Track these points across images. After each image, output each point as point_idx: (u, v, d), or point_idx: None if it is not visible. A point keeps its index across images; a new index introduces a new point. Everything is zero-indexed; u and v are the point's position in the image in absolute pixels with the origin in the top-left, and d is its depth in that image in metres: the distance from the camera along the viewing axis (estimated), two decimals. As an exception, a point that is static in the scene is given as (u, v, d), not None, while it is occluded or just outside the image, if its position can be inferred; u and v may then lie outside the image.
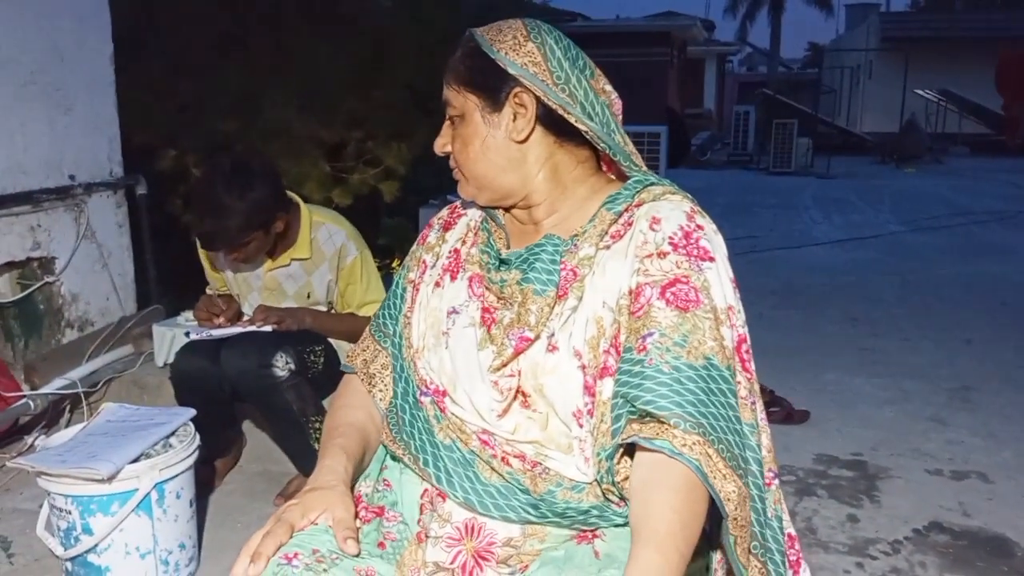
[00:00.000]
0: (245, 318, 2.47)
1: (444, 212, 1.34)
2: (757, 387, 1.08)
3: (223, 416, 2.52)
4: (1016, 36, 18.78)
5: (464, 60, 1.12)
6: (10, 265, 3.02)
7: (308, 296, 2.49)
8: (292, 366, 2.27)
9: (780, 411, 3.25)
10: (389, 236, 7.03)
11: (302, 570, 1.00)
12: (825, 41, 35.77)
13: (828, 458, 2.91)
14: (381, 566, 1.07)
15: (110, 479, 1.87)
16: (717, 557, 1.12)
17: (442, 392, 1.13)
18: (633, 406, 0.98)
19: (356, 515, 1.10)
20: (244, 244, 2.30)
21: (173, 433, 2.09)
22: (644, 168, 1.18)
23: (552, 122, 1.12)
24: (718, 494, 0.95)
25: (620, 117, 1.17)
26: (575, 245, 1.11)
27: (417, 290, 1.25)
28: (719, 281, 1.06)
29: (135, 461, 1.93)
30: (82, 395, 2.86)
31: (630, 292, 1.05)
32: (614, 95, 1.17)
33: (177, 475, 2.01)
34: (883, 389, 3.64)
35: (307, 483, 1.12)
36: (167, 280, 3.72)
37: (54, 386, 2.86)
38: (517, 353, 1.08)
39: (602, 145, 1.13)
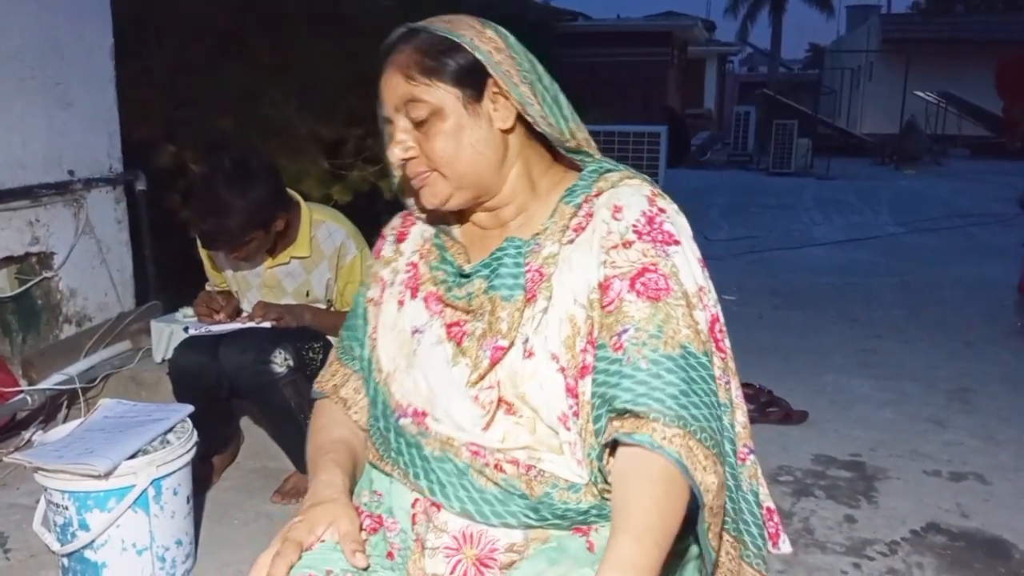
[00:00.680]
0: (244, 314, 2.47)
1: (396, 221, 1.28)
2: (733, 364, 1.07)
3: (221, 412, 2.52)
4: (1017, 39, 18.77)
5: (427, 52, 1.04)
6: (8, 260, 3.01)
7: (307, 294, 2.49)
8: (290, 362, 2.27)
9: (778, 411, 3.25)
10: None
11: None
12: (826, 42, 35.80)
13: (826, 459, 2.91)
14: None
15: (107, 475, 1.87)
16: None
17: (421, 413, 1.10)
18: (611, 406, 0.97)
19: (360, 526, 1.08)
20: (245, 243, 2.30)
21: (171, 429, 2.08)
22: (597, 155, 1.15)
23: (522, 111, 1.07)
24: (698, 486, 0.93)
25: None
26: (538, 244, 1.08)
27: (379, 308, 1.21)
28: (687, 263, 1.04)
29: (132, 457, 1.93)
30: (79, 391, 2.86)
31: (599, 285, 1.03)
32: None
33: (174, 471, 2.01)
34: (882, 390, 3.64)
35: (307, 499, 1.10)
36: (166, 276, 3.71)
37: (51, 381, 2.85)
38: (493, 363, 1.04)
39: (566, 136, 1.10)
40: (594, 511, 1.04)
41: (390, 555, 1.10)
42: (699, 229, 7.65)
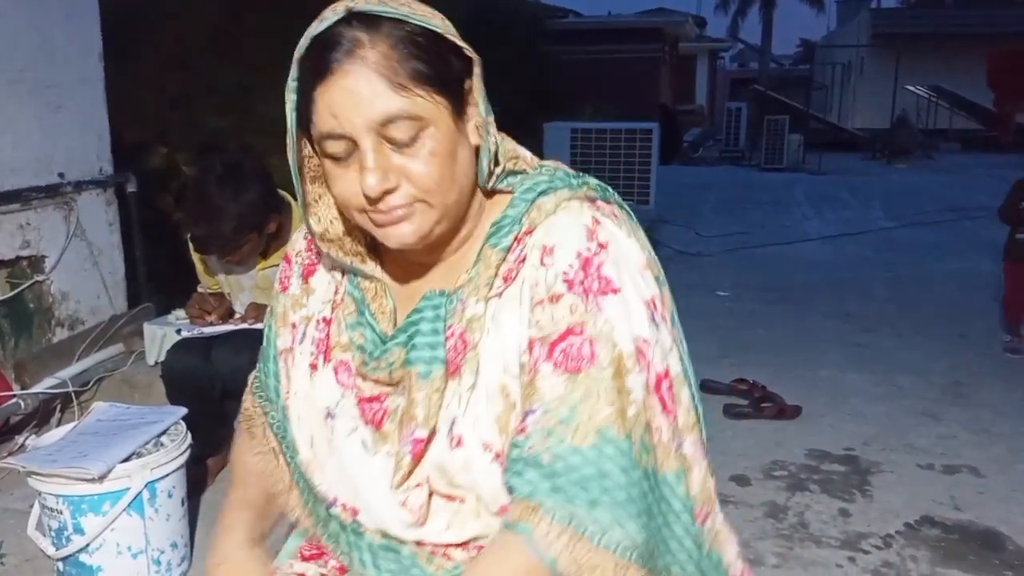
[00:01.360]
0: (236, 316, 2.47)
1: (301, 245, 1.05)
2: (691, 417, 0.89)
3: (214, 414, 2.51)
4: (1007, 32, 18.84)
5: (417, 50, 0.80)
6: (-1, 264, 3.01)
7: (300, 294, 2.48)
8: (284, 364, 2.27)
9: (772, 407, 3.26)
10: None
11: None
12: (816, 37, 35.82)
13: (820, 453, 2.92)
14: None
15: (101, 478, 1.86)
16: None
17: (351, 509, 0.94)
18: (512, 496, 0.84)
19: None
20: (238, 247, 2.30)
21: (164, 432, 2.08)
22: (529, 165, 0.93)
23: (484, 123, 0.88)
24: None
25: None
26: (461, 301, 0.88)
27: (291, 366, 1.02)
28: (626, 316, 0.84)
29: (126, 460, 1.92)
30: (73, 394, 2.85)
31: (528, 347, 0.86)
32: None
33: (168, 474, 2.01)
34: (875, 384, 3.65)
35: (209, 555, 1.05)
36: (158, 278, 3.70)
37: (44, 385, 2.84)
38: (417, 459, 0.88)
39: (501, 162, 0.91)
40: None
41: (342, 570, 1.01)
42: (691, 225, 7.67)
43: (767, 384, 3.43)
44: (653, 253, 0.93)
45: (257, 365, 1.10)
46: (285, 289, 1.05)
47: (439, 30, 0.82)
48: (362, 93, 0.79)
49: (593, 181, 0.93)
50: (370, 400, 0.92)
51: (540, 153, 0.99)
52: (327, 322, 0.98)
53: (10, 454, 2.64)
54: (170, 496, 2.03)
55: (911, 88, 19.31)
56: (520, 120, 4.74)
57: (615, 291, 0.85)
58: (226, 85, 4.67)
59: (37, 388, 2.83)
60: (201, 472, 2.56)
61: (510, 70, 8.04)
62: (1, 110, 2.89)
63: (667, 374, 0.87)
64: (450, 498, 0.89)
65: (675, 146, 15.98)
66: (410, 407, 0.87)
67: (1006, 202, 4.11)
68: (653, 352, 0.86)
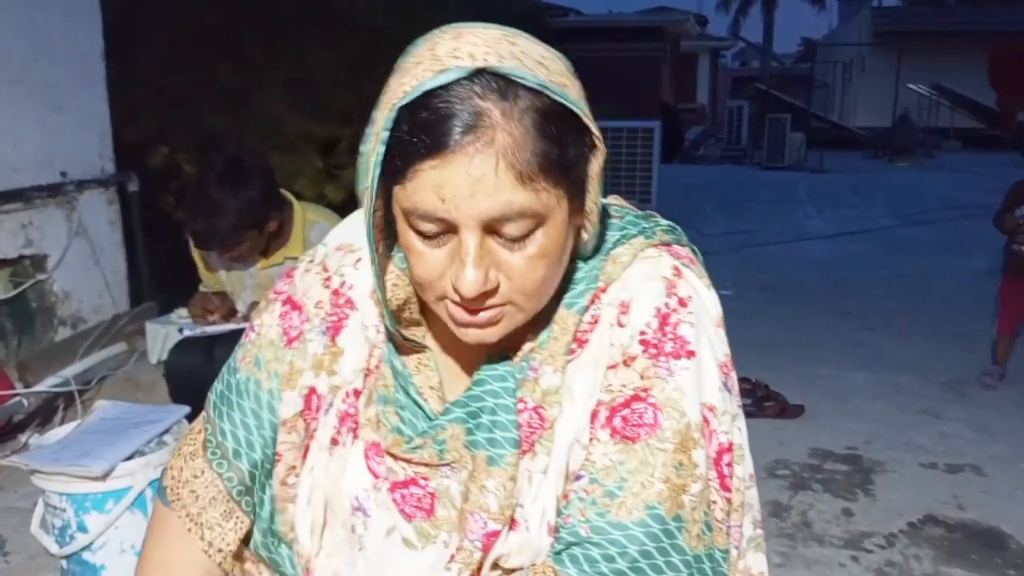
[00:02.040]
0: (239, 315, 2.47)
1: (318, 294, 0.87)
2: (747, 496, 0.81)
3: (217, 413, 2.51)
4: (1008, 30, 18.83)
5: (552, 134, 0.65)
6: (2, 263, 3.00)
7: (302, 293, 2.48)
8: (286, 363, 2.27)
9: (775, 406, 3.26)
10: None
11: None
12: (818, 36, 35.79)
13: (823, 452, 2.92)
14: None
15: (104, 477, 1.86)
16: None
17: None
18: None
19: None
20: (238, 243, 2.30)
21: (167, 430, 2.08)
22: (619, 211, 0.83)
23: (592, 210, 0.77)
24: None
25: None
26: (533, 370, 0.77)
27: (300, 439, 0.85)
28: (696, 382, 0.76)
29: (129, 459, 1.92)
30: (75, 393, 2.86)
31: (592, 414, 0.77)
32: None
33: (172, 473, 2.01)
34: (876, 383, 3.65)
35: None
36: (160, 277, 3.71)
37: (47, 384, 2.85)
38: (487, 551, 0.75)
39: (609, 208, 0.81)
40: None
41: None
42: (693, 224, 7.65)
43: (769, 383, 3.43)
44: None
45: (207, 424, 0.89)
46: (292, 342, 0.85)
47: (577, 109, 0.67)
48: (484, 184, 0.63)
49: (664, 222, 0.83)
50: (405, 484, 0.78)
51: None
52: (356, 394, 0.82)
53: (13, 452, 2.64)
54: (173, 495, 2.03)
55: (912, 86, 19.30)
56: (522, 119, 4.72)
57: (691, 354, 0.76)
58: (226, 85, 4.67)
59: (40, 387, 2.83)
60: (204, 471, 2.56)
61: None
62: (2, 110, 2.89)
63: (731, 447, 0.78)
64: (506, 572, 0.79)
65: (677, 145, 15.99)
66: (479, 495, 0.74)
67: (1000, 209, 3.91)
68: (720, 421, 0.77)
